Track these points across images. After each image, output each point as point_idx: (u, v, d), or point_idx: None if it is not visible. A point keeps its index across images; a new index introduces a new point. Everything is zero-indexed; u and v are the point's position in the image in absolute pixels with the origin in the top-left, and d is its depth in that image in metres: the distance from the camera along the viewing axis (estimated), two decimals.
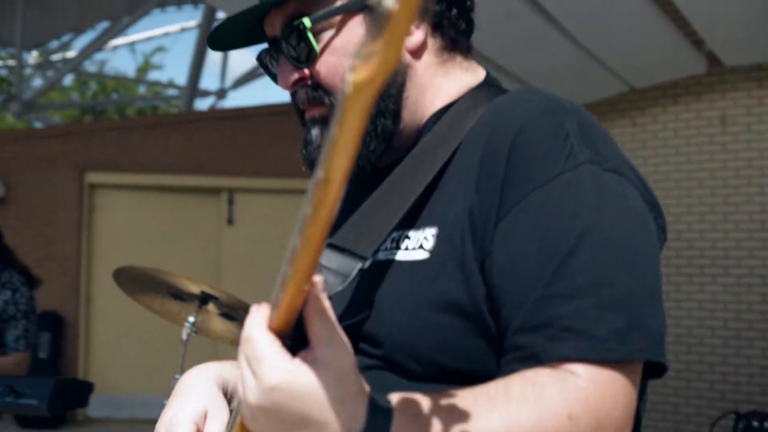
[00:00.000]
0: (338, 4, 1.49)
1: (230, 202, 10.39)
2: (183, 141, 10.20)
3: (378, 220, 1.41)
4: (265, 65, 1.63)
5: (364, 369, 1.35)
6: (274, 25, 1.55)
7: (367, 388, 1.11)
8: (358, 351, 1.34)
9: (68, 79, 22.98)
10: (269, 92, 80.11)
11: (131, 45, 18.98)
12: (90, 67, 22.47)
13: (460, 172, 1.37)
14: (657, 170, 8.95)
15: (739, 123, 8.62)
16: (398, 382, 1.35)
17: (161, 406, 1.66)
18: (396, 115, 1.49)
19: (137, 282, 4.07)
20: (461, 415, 1.13)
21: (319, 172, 0.91)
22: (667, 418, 8.75)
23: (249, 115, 11.36)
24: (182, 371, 4.03)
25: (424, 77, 1.51)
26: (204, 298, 3.90)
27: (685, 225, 8.77)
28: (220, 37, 1.61)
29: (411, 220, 1.40)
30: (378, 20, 0.81)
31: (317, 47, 1.50)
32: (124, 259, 10.37)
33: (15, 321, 5.18)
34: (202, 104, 23.64)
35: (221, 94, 16.51)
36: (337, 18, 1.49)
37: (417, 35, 1.50)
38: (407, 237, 1.40)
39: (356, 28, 1.48)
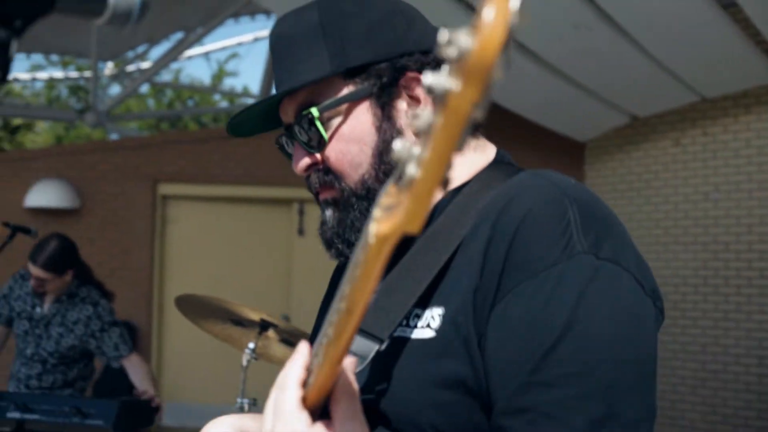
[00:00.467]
0: (344, 92, 1.55)
1: (301, 212, 10.47)
2: (254, 152, 10.29)
3: (394, 302, 1.45)
4: (283, 147, 1.69)
5: None
6: (287, 113, 1.62)
7: None
8: (373, 427, 1.38)
9: (144, 87, 23.30)
10: None
11: (205, 54, 19.18)
12: (165, 75, 22.74)
13: (468, 253, 1.41)
14: (728, 180, 8.85)
15: None
16: None
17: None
18: None
19: (198, 309, 4.14)
20: None
21: (342, 304, 1.04)
22: None
23: None
24: (243, 395, 4.09)
25: None
26: (264, 325, 3.95)
27: (756, 236, 8.65)
28: (240, 123, 1.68)
29: (423, 299, 1.44)
30: (401, 173, 0.86)
31: (326, 135, 1.56)
32: (195, 270, 10.60)
33: (105, 333, 5.29)
34: None
35: None
36: (344, 106, 1.55)
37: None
38: (418, 316, 1.44)
39: (363, 115, 1.55)
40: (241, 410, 4.07)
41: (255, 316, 3.98)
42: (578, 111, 9.23)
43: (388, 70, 1.53)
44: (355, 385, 1.22)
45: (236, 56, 22.05)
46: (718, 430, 8.72)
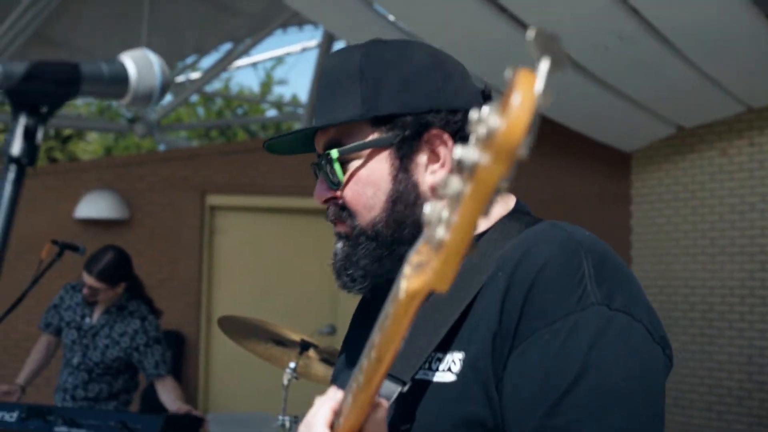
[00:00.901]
0: (369, 138, 1.62)
1: None
2: (301, 163, 10.33)
3: (416, 347, 1.51)
4: (315, 173, 1.75)
5: None
6: (319, 143, 1.70)
7: None
8: None
9: (194, 96, 23.51)
10: None
11: (254, 64, 19.30)
12: (215, 83, 22.94)
13: (487, 300, 1.47)
14: None
15: None
16: None
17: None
18: (415, 243, 1.57)
19: (241, 329, 4.20)
20: None
21: (372, 353, 1.13)
22: None
23: None
24: (284, 413, 4.16)
25: None
26: (304, 346, 4.02)
27: None
28: (278, 144, 1.75)
29: (444, 342, 1.51)
30: (432, 234, 0.93)
31: (342, 178, 1.63)
32: (243, 280, 10.70)
33: (149, 348, 5.38)
34: None
35: None
36: (367, 151, 1.61)
37: (440, 174, 1.60)
38: (439, 359, 1.51)
39: (382, 162, 1.61)
40: (282, 428, 4.13)
41: (296, 337, 4.05)
42: (624, 122, 9.22)
43: (412, 123, 1.59)
44: (386, 428, 1.30)
45: (282, 62, 22.12)
46: None
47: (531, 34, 0.88)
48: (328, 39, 13.16)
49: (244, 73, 58.13)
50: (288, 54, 18.75)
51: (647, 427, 1.38)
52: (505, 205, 1.69)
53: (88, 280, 5.20)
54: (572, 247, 1.45)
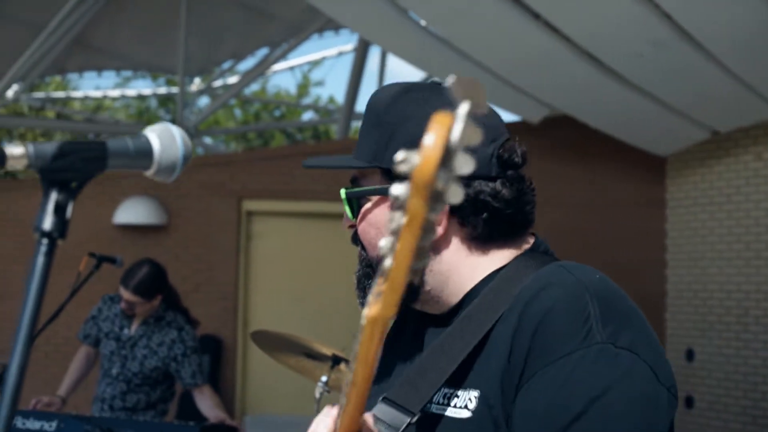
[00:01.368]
0: (377, 185, 1.71)
1: None
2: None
3: (427, 379, 1.60)
4: None
5: None
6: (349, 173, 1.80)
7: None
8: None
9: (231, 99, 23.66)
10: None
11: (290, 69, 19.40)
12: (252, 85, 23.06)
13: (499, 339, 1.55)
14: None
15: None
16: None
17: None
18: (413, 286, 1.67)
19: (273, 343, 4.28)
20: None
21: (350, 376, 1.21)
22: None
23: None
24: None
25: (456, 257, 1.69)
26: (336, 360, 4.08)
27: None
28: (316, 163, 1.84)
29: (460, 379, 1.59)
30: (383, 266, 1.01)
31: (351, 215, 1.76)
32: (280, 285, 10.78)
33: (186, 358, 5.46)
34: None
35: None
36: (375, 196, 1.70)
37: (437, 230, 1.65)
38: (456, 396, 1.59)
39: (385, 209, 1.71)
40: None
41: (327, 351, 4.12)
42: (659, 126, 9.21)
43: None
44: None
45: (319, 64, 22.19)
46: None
47: (451, 79, 0.97)
48: (364, 43, 13.23)
49: (282, 75, 58.29)
50: (324, 58, 18.85)
51: None
52: (521, 245, 1.75)
53: (125, 294, 5.30)
54: (579, 290, 1.51)
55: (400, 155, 0.94)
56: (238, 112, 26.93)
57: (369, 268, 1.74)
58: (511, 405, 1.50)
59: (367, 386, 1.20)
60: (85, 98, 20.77)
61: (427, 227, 0.97)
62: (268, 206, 10.82)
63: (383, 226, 1.69)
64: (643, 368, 1.48)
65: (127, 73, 18.82)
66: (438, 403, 1.61)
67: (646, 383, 1.48)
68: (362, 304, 1.73)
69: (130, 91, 21.31)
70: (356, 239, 1.78)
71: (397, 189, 0.96)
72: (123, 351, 5.47)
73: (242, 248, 10.75)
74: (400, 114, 1.68)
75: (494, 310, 1.59)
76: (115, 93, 20.46)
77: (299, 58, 18.04)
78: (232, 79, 17.27)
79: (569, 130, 9.86)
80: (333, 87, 51.42)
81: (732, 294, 9.31)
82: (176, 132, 1.28)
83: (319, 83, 31.17)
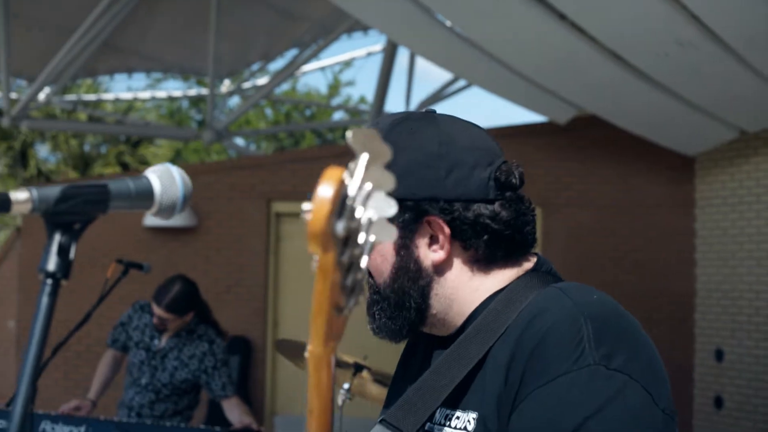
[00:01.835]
0: None
1: None
2: None
3: (424, 401, 1.65)
4: None
5: None
6: None
7: None
8: None
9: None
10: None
11: (320, 69, 19.45)
12: (283, 85, 23.14)
13: (496, 361, 1.59)
14: None
15: None
16: None
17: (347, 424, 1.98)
18: (421, 308, 1.72)
19: (297, 351, 4.32)
20: None
21: (307, 405, 1.23)
22: None
23: None
24: None
25: (459, 279, 1.73)
26: (358, 367, 4.13)
27: None
28: None
29: (459, 399, 1.63)
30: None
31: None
32: (308, 286, 10.76)
33: (216, 371, 5.51)
34: None
35: None
36: None
37: (440, 254, 1.70)
38: (457, 417, 1.63)
39: None
40: None
41: (349, 359, 4.16)
42: (686, 126, 9.19)
43: (412, 208, 1.69)
44: None
45: (350, 65, 22.30)
46: None
47: (349, 134, 1.03)
48: (392, 44, 13.25)
49: (312, 75, 58.48)
50: (353, 58, 18.89)
51: None
52: (522, 265, 1.77)
53: (158, 311, 5.36)
54: (574, 314, 1.54)
55: (304, 205, 1.01)
56: (269, 111, 27.04)
57: (377, 295, 1.76)
58: (505, 426, 1.54)
59: (327, 417, 1.22)
60: (116, 100, 20.91)
61: (347, 266, 1.02)
62: (297, 208, 10.84)
63: (389, 253, 1.72)
64: (635, 389, 1.50)
65: (158, 75, 18.94)
66: (438, 423, 1.65)
67: (639, 404, 1.50)
68: (372, 330, 1.78)
69: (161, 93, 21.42)
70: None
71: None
72: (153, 361, 5.52)
73: (271, 250, 10.82)
74: (394, 144, 1.69)
75: (492, 331, 1.63)
76: (146, 95, 20.58)
77: (329, 58, 18.06)
78: (262, 80, 17.33)
79: (597, 130, 9.86)
80: (364, 87, 51.51)
81: (761, 294, 9.27)
82: (176, 173, 1.32)
83: (350, 83, 31.27)
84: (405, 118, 1.76)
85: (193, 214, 10.57)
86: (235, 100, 20.60)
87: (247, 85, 17.23)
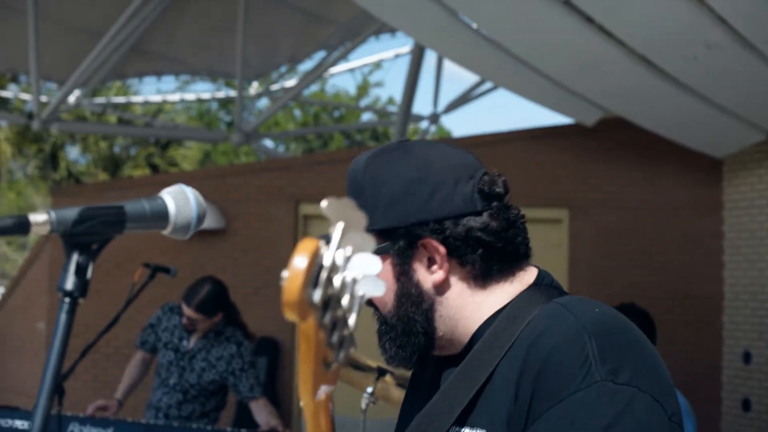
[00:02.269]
0: (375, 246, 1.75)
1: None
2: None
3: (434, 425, 1.68)
4: None
5: None
6: None
7: None
8: None
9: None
10: (480, 116, 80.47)
11: (348, 71, 19.52)
12: (312, 87, 23.22)
13: (504, 379, 1.62)
14: None
15: None
16: None
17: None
18: (428, 331, 1.75)
19: None
20: None
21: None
22: None
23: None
24: None
25: (460, 298, 1.75)
26: (381, 371, 4.16)
27: None
28: None
29: (466, 416, 1.66)
30: None
31: None
32: None
33: (244, 372, 5.56)
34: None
35: (434, 118, 16.62)
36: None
37: (439, 274, 1.72)
38: None
39: (387, 266, 1.77)
40: None
41: (372, 363, 4.19)
42: (714, 128, 9.16)
43: (404, 235, 1.72)
44: None
45: (380, 67, 22.37)
46: None
47: (324, 203, 1.08)
48: (420, 46, 13.27)
49: (340, 76, 58.62)
50: (381, 60, 18.96)
51: None
52: (520, 284, 1.78)
53: (187, 311, 5.41)
54: (577, 330, 1.57)
55: (282, 274, 1.03)
56: (297, 113, 27.13)
57: (384, 326, 1.80)
58: None
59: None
60: (146, 102, 21.06)
61: (330, 327, 1.07)
62: None
63: (389, 282, 1.75)
64: (645, 401, 1.52)
65: (186, 77, 19.06)
66: None
67: (650, 415, 1.53)
68: (386, 361, 1.81)
69: (189, 95, 21.54)
70: (369, 300, 1.81)
71: None
72: (181, 362, 5.58)
73: None
74: (374, 178, 1.76)
75: (498, 349, 1.65)
76: (175, 97, 20.70)
77: (356, 60, 18.08)
78: (291, 82, 17.41)
79: (624, 132, 9.84)
80: (392, 88, 51.60)
81: None
82: (190, 193, 1.35)
83: (378, 84, 31.34)
84: (379, 152, 1.81)
85: (221, 216, 10.63)
86: (263, 102, 20.71)
87: (275, 87, 17.31)
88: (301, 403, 1.17)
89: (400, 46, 16.98)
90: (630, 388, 1.52)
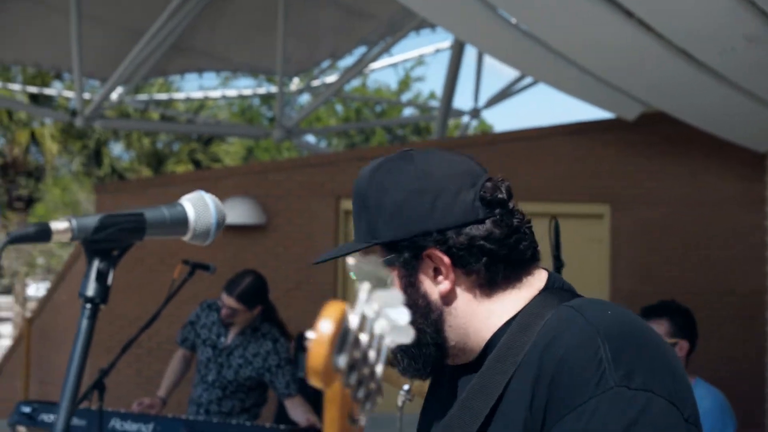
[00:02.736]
0: (380, 258, 1.77)
1: None
2: None
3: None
4: None
5: None
6: None
7: None
8: None
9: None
10: (521, 111, 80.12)
11: (389, 66, 19.55)
12: (353, 82, 23.25)
13: (520, 385, 1.62)
14: None
15: None
16: None
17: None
18: (438, 342, 1.75)
19: None
20: None
21: None
22: None
23: (494, 142, 11.65)
24: None
25: (469, 307, 1.75)
26: None
27: None
28: (324, 257, 1.90)
29: (485, 428, 1.66)
30: None
31: None
32: None
33: (280, 369, 5.58)
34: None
35: (475, 113, 16.61)
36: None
37: (445, 283, 1.72)
38: None
39: (395, 278, 1.75)
40: None
41: None
42: (756, 122, 9.08)
43: (408, 246, 1.72)
44: None
45: (422, 63, 22.37)
46: None
47: (350, 261, 1.10)
48: (460, 41, 13.26)
49: (381, 71, 58.67)
50: (422, 55, 18.94)
51: None
52: (530, 289, 1.77)
53: (228, 300, 5.44)
54: (590, 334, 1.56)
55: (308, 335, 1.02)
56: (339, 108, 27.19)
57: None
58: None
59: None
60: (188, 99, 21.18)
61: (357, 384, 1.04)
62: None
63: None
64: (660, 405, 1.52)
65: (228, 73, 19.15)
66: None
67: (665, 419, 1.52)
68: (400, 372, 1.82)
69: (231, 92, 21.65)
70: None
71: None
72: (219, 359, 5.61)
73: None
74: (378, 188, 1.75)
75: (513, 357, 1.65)
76: (217, 93, 20.82)
77: (397, 55, 18.05)
78: (332, 78, 17.45)
79: (666, 127, 9.78)
80: (434, 82, 51.52)
81: None
82: (209, 200, 1.37)
83: (420, 79, 31.32)
84: (382, 163, 1.79)
85: (262, 212, 10.68)
86: (305, 98, 20.75)
87: (316, 82, 17.36)
88: None
89: (441, 41, 16.96)
90: (645, 393, 1.51)
